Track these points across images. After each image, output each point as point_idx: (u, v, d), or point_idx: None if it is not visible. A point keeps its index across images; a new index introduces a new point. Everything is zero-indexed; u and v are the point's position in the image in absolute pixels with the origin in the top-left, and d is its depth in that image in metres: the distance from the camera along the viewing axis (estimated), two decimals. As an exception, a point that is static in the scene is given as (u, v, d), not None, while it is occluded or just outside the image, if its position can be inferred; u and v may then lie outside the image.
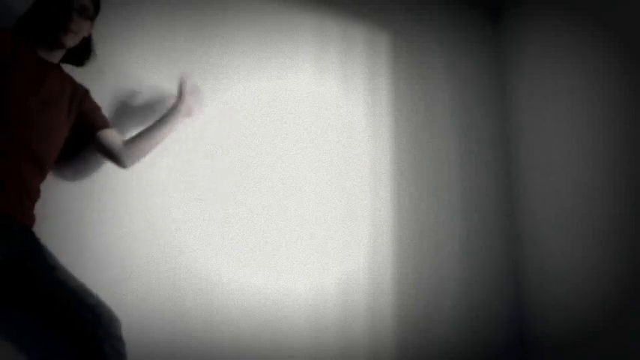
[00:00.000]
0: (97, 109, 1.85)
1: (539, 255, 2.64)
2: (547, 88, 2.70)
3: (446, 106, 2.72)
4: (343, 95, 2.44)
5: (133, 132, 1.99)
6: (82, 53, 1.84)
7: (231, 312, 2.02)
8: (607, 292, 2.33)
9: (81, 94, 1.80)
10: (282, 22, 2.36)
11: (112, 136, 1.83)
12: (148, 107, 2.03)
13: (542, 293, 2.60)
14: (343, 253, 2.28)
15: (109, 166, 1.94)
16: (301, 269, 2.18)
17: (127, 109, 2.00)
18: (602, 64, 2.45)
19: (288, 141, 2.27)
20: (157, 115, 2.04)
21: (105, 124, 1.84)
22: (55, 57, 1.73)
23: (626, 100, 2.34)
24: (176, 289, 1.95)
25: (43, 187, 1.81)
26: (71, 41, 1.69)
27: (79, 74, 1.94)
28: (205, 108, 2.13)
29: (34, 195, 1.62)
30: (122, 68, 2.01)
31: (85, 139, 1.83)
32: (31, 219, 1.62)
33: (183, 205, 2.02)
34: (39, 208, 1.79)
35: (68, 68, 1.92)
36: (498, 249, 2.69)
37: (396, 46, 2.64)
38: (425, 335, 2.39)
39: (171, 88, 2.09)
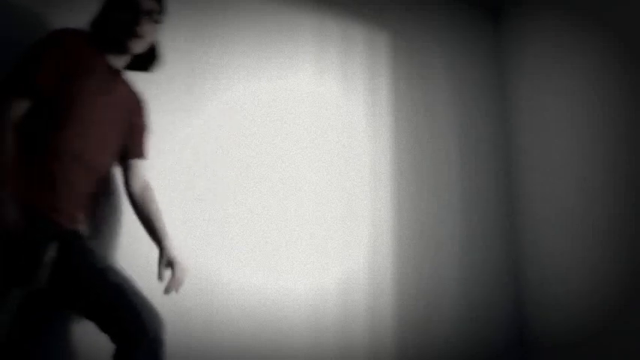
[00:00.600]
0: (144, 127, 1.82)
1: (539, 255, 2.64)
2: (547, 88, 2.70)
3: (446, 106, 2.72)
4: (343, 95, 2.44)
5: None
6: (149, 59, 1.78)
7: (231, 312, 2.02)
8: (607, 292, 2.33)
9: (135, 105, 1.78)
10: (282, 22, 2.36)
11: (139, 171, 1.79)
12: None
13: (542, 293, 2.60)
14: (343, 253, 2.28)
15: (109, 166, 1.93)
16: (301, 269, 2.18)
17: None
18: (602, 64, 2.45)
19: (288, 141, 2.27)
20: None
21: (142, 153, 1.80)
22: (121, 62, 1.70)
23: (626, 100, 2.34)
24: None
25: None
26: (139, 47, 1.65)
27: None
28: (205, 108, 2.13)
29: (85, 201, 1.61)
30: (122, 68, 2.01)
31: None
32: (82, 224, 1.61)
33: (183, 205, 2.02)
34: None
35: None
36: (498, 249, 2.69)
37: (396, 46, 2.64)
38: (425, 335, 2.39)
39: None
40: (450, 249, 2.56)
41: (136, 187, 1.78)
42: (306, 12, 2.42)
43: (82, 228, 1.63)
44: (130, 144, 1.78)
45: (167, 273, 1.93)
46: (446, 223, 2.58)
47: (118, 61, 1.68)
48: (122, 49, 1.65)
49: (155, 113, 2.04)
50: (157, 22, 1.68)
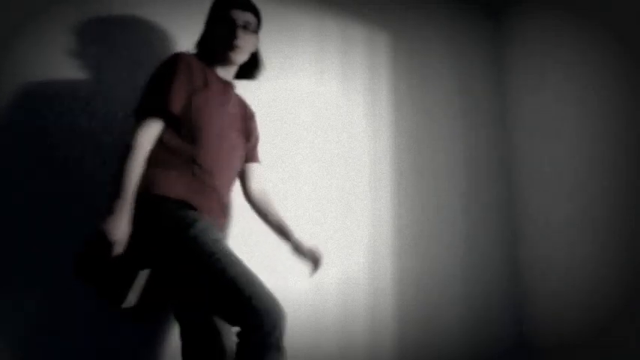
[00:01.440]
0: (257, 137, 1.98)
1: (539, 255, 2.64)
2: (548, 88, 2.70)
3: (446, 106, 2.72)
4: (343, 95, 2.44)
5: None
6: (252, 67, 1.92)
7: (231, 312, 2.02)
8: (608, 293, 2.32)
9: (249, 115, 1.95)
10: (282, 22, 2.36)
11: (256, 174, 1.95)
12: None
13: (543, 294, 2.60)
14: (343, 252, 2.28)
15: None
16: (301, 269, 2.17)
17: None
18: (603, 64, 2.45)
19: (288, 141, 2.27)
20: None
21: (258, 158, 1.98)
22: (229, 74, 1.86)
23: (627, 99, 2.34)
24: (176, 289, 1.94)
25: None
26: (240, 57, 1.81)
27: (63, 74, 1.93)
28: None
29: (226, 207, 1.76)
30: (121, 70, 2.01)
31: None
32: (225, 230, 1.78)
33: (183, 205, 2.02)
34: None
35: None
36: (499, 249, 2.69)
37: (396, 46, 2.64)
38: (425, 335, 2.39)
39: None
40: (450, 249, 2.56)
41: (257, 188, 1.94)
42: (306, 12, 2.42)
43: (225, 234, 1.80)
44: (248, 149, 1.92)
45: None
46: (446, 223, 2.58)
47: (227, 74, 1.85)
48: (226, 62, 1.81)
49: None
50: (254, 32, 1.83)
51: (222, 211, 1.74)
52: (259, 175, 1.96)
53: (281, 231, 1.90)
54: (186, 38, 2.01)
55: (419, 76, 2.68)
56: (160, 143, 1.64)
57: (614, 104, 2.38)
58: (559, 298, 2.52)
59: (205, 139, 1.67)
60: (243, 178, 1.94)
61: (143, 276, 1.48)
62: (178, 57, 1.71)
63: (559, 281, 2.53)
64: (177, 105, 1.64)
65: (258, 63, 1.93)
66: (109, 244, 1.43)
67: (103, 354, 1.77)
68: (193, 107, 1.67)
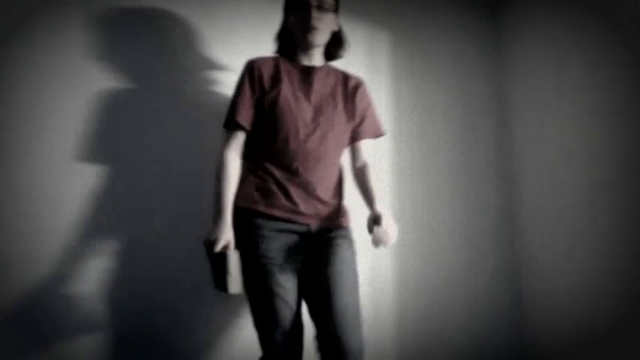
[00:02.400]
0: (368, 106, 1.92)
1: (539, 255, 2.64)
2: (548, 87, 2.69)
3: (447, 105, 2.72)
4: (343, 95, 2.44)
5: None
6: (336, 46, 1.90)
7: (233, 312, 2.02)
8: (608, 294, 2.33)
9: (352, 89, 1.89)
10: (282, 21, 2.35)
11: (360, 152, 1.93)
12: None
13: (542, 294, 2.60)
14: (343, 253, 2.28)
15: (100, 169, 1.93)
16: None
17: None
18: (603, 62, 2.45)
19: (289, 141, 2.26)
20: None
21: (366, 135, 1.92)
22: (315, 58, 1.84)
23: (629, 97, 2.33)
24: (176, 290, 1.94)
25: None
26: (319, 38, 1.80)
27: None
28: (205, 107, 2.12)
29: (332, 193, 1.78)
30: (120, 71, 2.00)
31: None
32: (336, 222, 1.78)
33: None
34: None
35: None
36: (499, 249, 2.69)
37: (396, 46, 2.64)
38: (425, 335, 2.40)
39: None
40: (450, 249, 2.56)
41: (356, 167, 1.92)
42: (306, 12, 2.42)
43: (336, 222, 1.79)
44: (357, 127, 1.91)
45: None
46: (446, 223, 2.58)
47: (311, 58, 1.85)
48: (306, 45, 1.81)
49: (153, 115, 2.03)
50: (330, 11, 1.81)
51: (318, 205, 1.74)
52: (364, 152, 1.92)
53: (366, 197, 1.85)
54: (207, 28, 2.07)
55: (419, 76, 2.67)
56: (245, 152, 1.75)
57: (616, 103, 2.38)
58: (559, 298, 2.52)
59: (285, 136, 1.71)
60: (350, 154, 1.94)
61: (232, 259, 1.54)
62: (245, 66, 1.80)
63: (559, 282, 2.53)
64: (243, 117, 1.72)
65: (342, 41, 1.91)
66: (212, 245, 1.58)
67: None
68: (266, 108, 1.72)
